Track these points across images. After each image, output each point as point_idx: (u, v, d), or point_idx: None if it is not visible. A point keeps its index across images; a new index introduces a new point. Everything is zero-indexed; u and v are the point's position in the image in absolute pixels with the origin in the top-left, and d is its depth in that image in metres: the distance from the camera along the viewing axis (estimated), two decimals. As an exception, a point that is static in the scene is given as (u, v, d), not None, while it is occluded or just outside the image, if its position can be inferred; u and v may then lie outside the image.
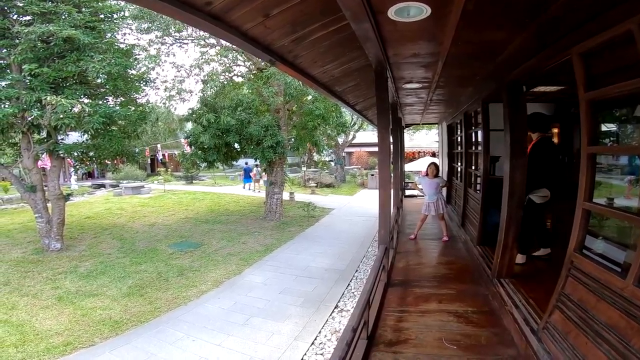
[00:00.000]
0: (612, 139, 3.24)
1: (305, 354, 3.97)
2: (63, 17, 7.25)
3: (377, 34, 2.55)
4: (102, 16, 8.20)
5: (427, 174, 6.24)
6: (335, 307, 5.17)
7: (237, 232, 10.05)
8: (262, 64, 10.75)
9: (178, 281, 6.34)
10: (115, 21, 8.74)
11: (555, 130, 5.95)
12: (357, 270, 6.81)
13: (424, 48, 3.15)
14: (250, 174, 19.97)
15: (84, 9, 7.67)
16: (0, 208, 14.06)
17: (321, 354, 3.97)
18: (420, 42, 2.97)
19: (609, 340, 1.72)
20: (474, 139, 6.07)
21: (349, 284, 6.09)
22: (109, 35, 8.35)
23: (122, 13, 9.07)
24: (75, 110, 7.12)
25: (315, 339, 4.30)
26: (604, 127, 2.97)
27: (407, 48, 3.14)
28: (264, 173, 18.90)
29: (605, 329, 1.76)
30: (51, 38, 7.00)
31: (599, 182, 2.24)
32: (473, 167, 5.96)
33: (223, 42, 10.87)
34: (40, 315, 5.02)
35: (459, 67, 3.76)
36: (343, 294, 5.64)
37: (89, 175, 24.37)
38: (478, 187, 5.48)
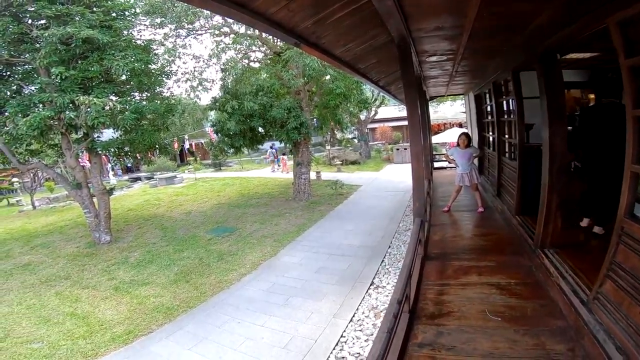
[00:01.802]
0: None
1: (344, 331, 4.08)
2: (77, 18, 7.40)
3: (399, 10, 2.50)
4: (114, 14, 8.31)
5: (458, 145, 6.14)
6: (370, 284, 5.24)
7: (268, 214, 10.30)
8: (279, 47, 10.71)
9: (219, 266, 6.63)
10: (128, 18, 8.84)
11: (592, 96, 5.77)
12: (389, 246, 6.82)
13: (448, 21, 3.05)
14: (270, 153, 20.98)
15: (95, 9, 7.80)
16: (49, 207, 15.12)
17: (360, 330, 4.07)
18: (443, 15, 2.90)
19: None
20: (505, 108, 5.86)
21: (382, 260, 6.13)
22: (126, 32, 8.47)
23: (134, 10, 9.20)
24: (107, 108, 7.38)
25: (354, 316, 4.40)
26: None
27: (430, 22, 3.06)
28: (281, 155, 19.80)
29: None
30: (71, 40, 7.17)
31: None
32: (507, 136, 5.71)
33: (236, 29, 10.88)
34: (102, 306, 5.40)
35: (485, 39, 3.60)
36: (377, 271, 5.69)
37: (128, 170, 25.57)
38: (513, 155, 5.27)
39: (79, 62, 7.64)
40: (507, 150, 5.79)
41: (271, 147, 21.59)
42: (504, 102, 5.79)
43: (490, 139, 7.08)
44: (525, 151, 4.57)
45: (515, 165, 4.77)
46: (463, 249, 4.35)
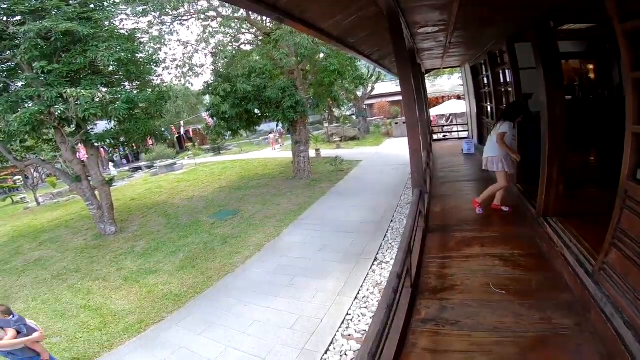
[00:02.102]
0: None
1: (350, 309, 4.14)
2: (53, 12, 7.22)
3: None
4: (92, 6, 8.08)
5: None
6: (374, 260, 5.27)
7: (269, 194, 10.31)
8: (269, 27, 10.43)
9: (223, 249, 6.69)
10: (107, 9, 8.59)
11: (591, 67, 5.79)
12: (392, 221, 6.83)
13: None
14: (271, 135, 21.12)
15: (71, 2, 7.59)
16: (53, 202, 15.20)
17: (365, 307, 4.12)
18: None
19: None
20: (501, 78, 5.76)
21: (385, 235, 6.14)
22: (107, 23, 8.30)
23: (113, 0, 8.90)
24: (97, 99, 7.29)
25: (358, 293, 4.45)
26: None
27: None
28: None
29: None
30: (50, 34, 7.03)
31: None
32: (504, 105, 5.61)
33: (224, 12, 10.51)
34: (113, 296, 5.49)
35: (476, 8, 3.41)
36: (381, 246, 5.72)
37: (126, 159, 25.52)
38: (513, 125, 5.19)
39: (62, 55, 7.50)
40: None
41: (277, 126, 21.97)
42: (500, 72, 5.71)
43: (489, 108, 7.00)
44: (522, 119, 4.47)
45: (515, 133, 4.68)
46: (465, 220, 4.31)
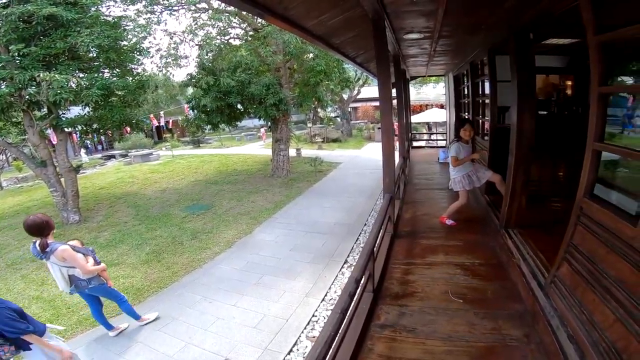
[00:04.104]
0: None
1: (316, 310, 4.12)
2: None
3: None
4: None
5: (459, 138, 4.36)
6: (344, 263, 5.28)
7: (245, 191, 10.16)
8: (259, 23, 10.32)
9: (192, 244, 6.53)
10: None
11: (569, 83, 5.88)
12: (365, 224, 6.87)
13: (421, -6, 2.87)
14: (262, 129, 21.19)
15: None
16: (17, 187, 14.47)
17: (332, 309, 4.11)
18: (416, -13, 2.72)
19: (618, 297, 1.64)
20: (480, 89, 5.86)
21: (357, 239, 6.17)
22: (94, 9, 8.05)
23: None
24: (72, 84, 7.07)
25: (326, 295, 4.44)
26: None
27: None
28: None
29: (614, 285, 1.68)
30: (32, 17, 6.81)
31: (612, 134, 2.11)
32: (481, 116, 5.75)
33: (215, 4, 10.33)
34: None
35: (461, 15, 3.47)
36: (352, 249, 5.74)
37: (100, 145, 24.59)
38: (486, 136, 5.32)
39: (42, 38, 7.28)
40: (480, 130, 5.83)
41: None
42: (480, 82, 5.80)
43: (466, 118, 7.14)
44: (497, 131, 4.60)
45: (487, 144, 4.80)
46: (433, 227, 4.39)
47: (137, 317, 4.11)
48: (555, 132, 5.09)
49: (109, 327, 4.02)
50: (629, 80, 2.99)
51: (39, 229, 3.20)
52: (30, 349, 2.74)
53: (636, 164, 2.05)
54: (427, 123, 20.64)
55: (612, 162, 2.16)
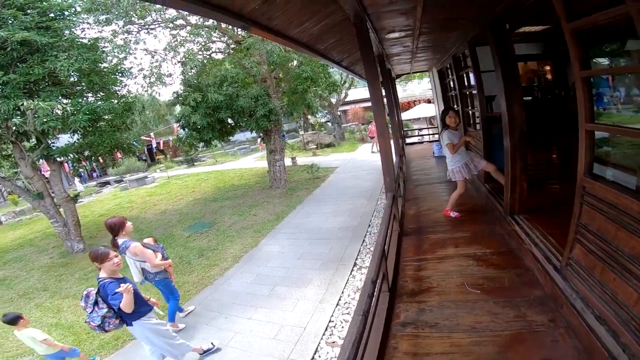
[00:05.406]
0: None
1: (332, 315, 4.12)
2: (10, 21, 6.91)
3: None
4: (52, 15, 7.74)
5: (447, 126, 4.44)
6: (353, 265, 5.29)
7: (246, 205, 10.15)
8: (240, 35, 10.36)
9: (200, 262, 6.50)
10: (68, 18, 8.24)
11: (548, 68, 6.08)
12: (369, 225, 6.90)
13: (399, -6, 2.95)
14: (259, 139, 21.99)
15: (29, 11, 7.26)
16: (15, 221, 14.34)
17: (347, 313, 4.12)
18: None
19: (637, 274, 1.64)
20: (466, 80, 5.94)
21: (363, 240, 6.19)
22: (68, 32, 7.94)
23: (74, 9, 8.55)
24: (58, 111, 6.96)
25: (340, 299, 4.44)
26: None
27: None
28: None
29: (630, 261, 1.69)
30: (6, 43, 6.70)
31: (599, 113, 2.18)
32: (470, 107, 5.84)
33: (193, 20, 10.35)
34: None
35: (439, 11, 3.57)
36: (359, 251, 5.75)
37: (93, 172, 24.40)
38: (478, 126, 5.40)
39: (19, 65, 7.13)
40: (472, 120, 5.91)
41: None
42: (464, 75, 5.89)
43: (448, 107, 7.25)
44: (488, 120, 4.68)
45: (480, 134, 4.88)
46: (438, 221, 4.43)
47: (172, 320, 4.34)
48: (542, 116, 5.21)
49: (180, 309, 4.56)
50: (605, 61, 3.13)
51: (111, 229, 3.81)
52: (132, 325, 3.11)
53: (627, 139, 2.11)
54: (429, 118, 20.71)
55: (604, 139, 2.22)
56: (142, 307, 3.14)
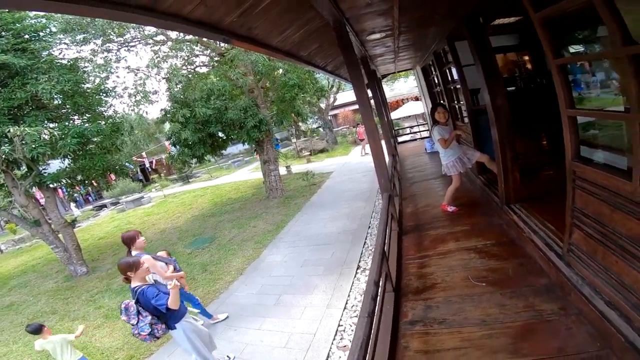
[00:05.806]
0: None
1: (340, 319, 4.12)
2: None
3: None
4: (27, 37, 7.68)
5: (436, 122, 4.51)
6: (357, 268, 5.30)
7: (245, 217, 10.12)
8: (223, 48, 10.36)
9: (204, 277, 6.47)
10: (44, 39, 8.16)
11: (527, 58, 6.19)
12: (369, 227, 6.92)
13: (374, -5, 3.00)
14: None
15: (4, 33, 7.22)
16: (15, 249, 14.31)
17: (356, 317, 4.12)
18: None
19: (638, 256, 1.64)
20: (449, 75, 6.02)
21: (364, 242, 6.21)
22: (45, 53, 7.89)
23: (49, 29, 8.45)
24: (45, 136, 6.87)
25: (347, 302, 4.44)
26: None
27: (359, -1, 2.99)
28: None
29: (630, 244, 1.69)
30: None
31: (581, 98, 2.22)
32: (456, 101, 5.92)
33: (173, 35, 10.30)
34: (96, 334, 5.22)
35: (415, 10, 3.63)
36: (362, 254, 5.77)
37: (88, 196, 24.22)
38: (465, 119, 5.47)
39: (1, 90, 7.06)
40: (459, 114, 5.99)
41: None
42: (447, 70, 5.98)
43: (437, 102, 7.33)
44: (474, 114, 4.74)
45: (468, 127, 4.94)
46: (436, 217, 4.46)
47: (209, 316, 4.73)
48: (527, 105, 5.28)
49: (209, 315, 4.76)
50: (579, 48, 3.20)
51: (125, 242, 3.98)
52: (175, 328, 3.17)
53: (610, 122, 2.14)
54: (419, 115, 20.80)
55: (591, 123, 2.25)
56: (181, 308, 3.20)
